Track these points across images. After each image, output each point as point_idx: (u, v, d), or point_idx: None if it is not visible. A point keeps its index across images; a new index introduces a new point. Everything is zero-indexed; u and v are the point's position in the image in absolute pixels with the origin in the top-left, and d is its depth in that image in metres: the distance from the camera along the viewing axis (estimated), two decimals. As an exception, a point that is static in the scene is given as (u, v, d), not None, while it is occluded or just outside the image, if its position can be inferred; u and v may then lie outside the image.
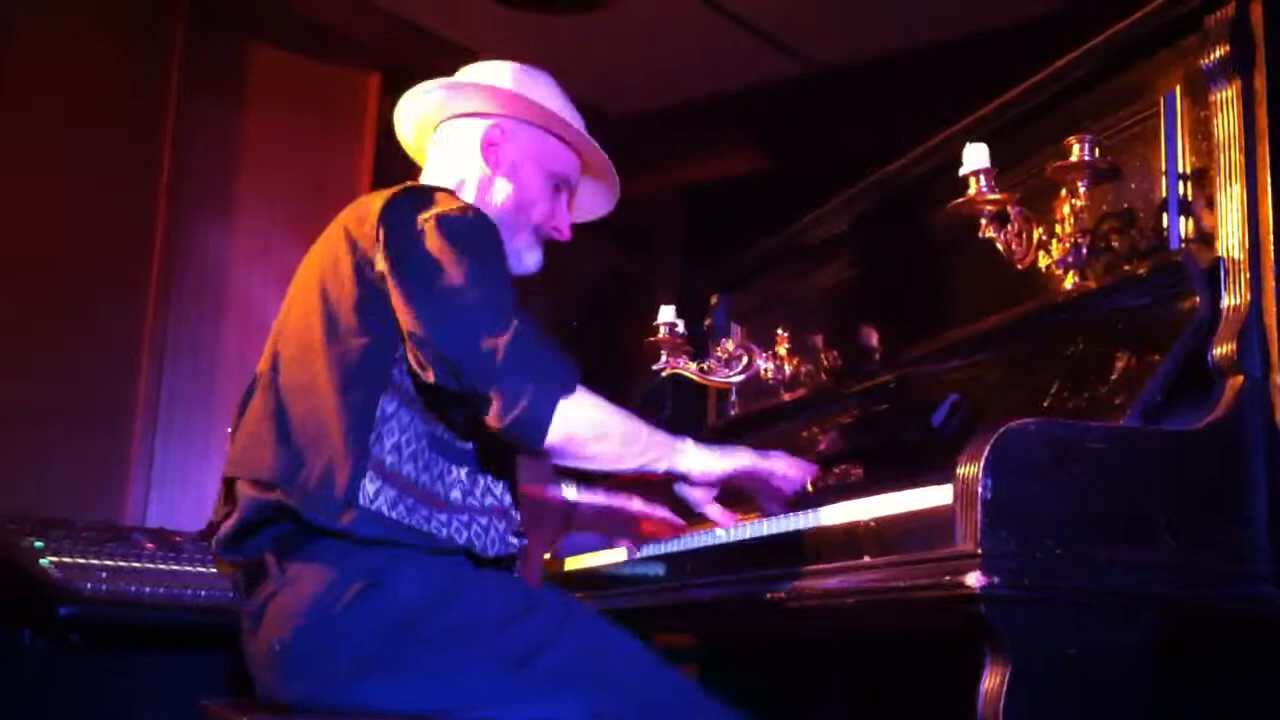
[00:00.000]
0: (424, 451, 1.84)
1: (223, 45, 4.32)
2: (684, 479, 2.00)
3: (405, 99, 2.16)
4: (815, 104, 4.50)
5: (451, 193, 2.00)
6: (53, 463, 3.71)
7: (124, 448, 3.95)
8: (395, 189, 1.95)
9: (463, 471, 1.87)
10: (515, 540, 1.93)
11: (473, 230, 1.88)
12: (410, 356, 1.83)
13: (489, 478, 1.90)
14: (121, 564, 2.85)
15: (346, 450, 1.79)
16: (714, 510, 2.09)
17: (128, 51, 4.11)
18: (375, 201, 1.93)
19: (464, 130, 2.12)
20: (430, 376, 1.81)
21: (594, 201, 2.28)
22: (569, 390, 1.82)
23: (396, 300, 1.83)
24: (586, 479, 2.28)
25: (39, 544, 2.81)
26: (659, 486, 2.09)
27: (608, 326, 4.69)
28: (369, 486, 1.78)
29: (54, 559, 2.79)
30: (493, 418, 1.79)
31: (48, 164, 3.87)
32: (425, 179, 2.14)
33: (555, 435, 1.81)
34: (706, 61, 4.53)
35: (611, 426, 1.89)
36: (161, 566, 2.90)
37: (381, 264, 1.85)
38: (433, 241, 1.85)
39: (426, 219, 1.87)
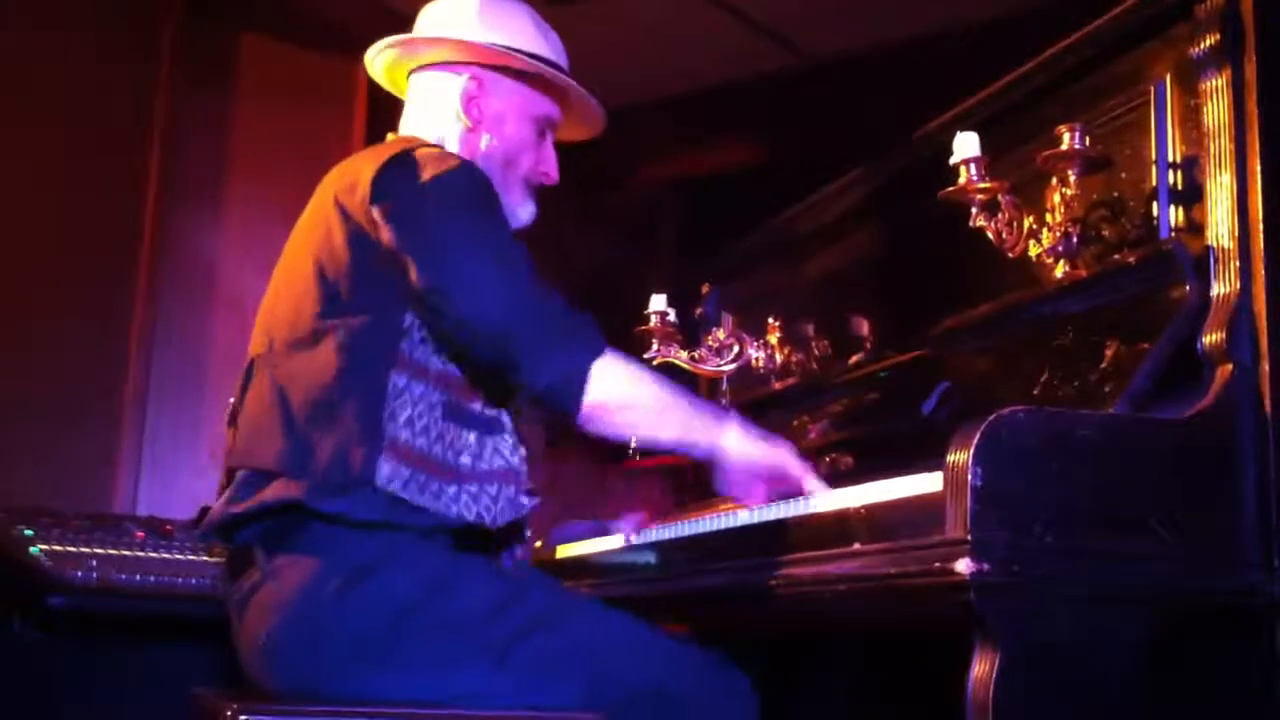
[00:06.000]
0: (437, 421, 1.80)
1: (213, 34, 4.30)
2: (720, 461, 1.90)
3: (374, 50, 2.09)
4: (812, 96, 4.50)
5: (438, 148, 1.94)
6: (42, 453, 3.70)
7: (113, 438, 3.94)
8: (382, 153, 1.89)
9: (473, 436, 1.83)
10: (526, 501, 1.88)
11: (474, 188, 1.84)
12: (428, 325, 1.80)
13: (497, 439, 1.86)
14: (112, 552, 2.84)
15: (361, 430, 1.75)
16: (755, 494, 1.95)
17: (118, 40, 4.09)
18: (365, 168, 1.87)
19: (440, 83, 2.05)
20: (454, 345, 1.78)
21: (575, 128, 2.20)
22: (599, 353, 1.79)
23: (411, 271, 1.78)
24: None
25: (29, 532, 2.80)
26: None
27: (603, 318, 4.68)
28: (384, 466, 1.74)
29: (44, 547, 2.78)
30: (525, 384, 1.77)
31: (36, 153, 3.85)
32: (404, 129, 2.08)
33: (589, 401, 1.78)
34: (702, 53, 4.52)
35: (645, 394, 1.84)
36: (152, 555, 2.89)
37: (389, 237, 1.80)
38: (439, 206, 1.80)
39: (426, 182, 1.82)
